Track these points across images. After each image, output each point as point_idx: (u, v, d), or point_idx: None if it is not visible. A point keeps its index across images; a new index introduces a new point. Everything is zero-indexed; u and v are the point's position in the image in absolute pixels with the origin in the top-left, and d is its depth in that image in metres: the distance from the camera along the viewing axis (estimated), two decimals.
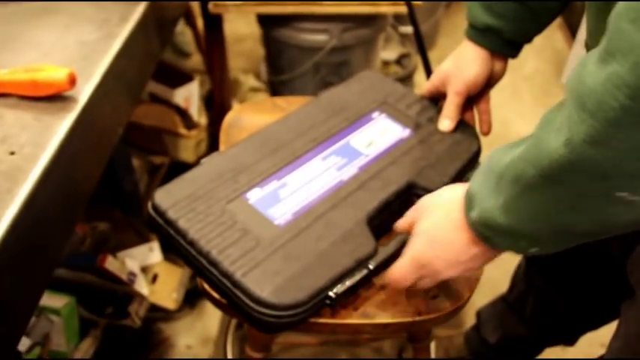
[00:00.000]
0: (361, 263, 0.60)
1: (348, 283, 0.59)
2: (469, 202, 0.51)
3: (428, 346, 0.86)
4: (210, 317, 1.33)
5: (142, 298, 0.94)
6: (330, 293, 0.58)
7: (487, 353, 1.18)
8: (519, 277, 1.10)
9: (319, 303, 0.58)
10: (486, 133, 0.80)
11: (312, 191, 0.66)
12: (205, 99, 1.42)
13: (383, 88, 0.82)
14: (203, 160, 0.69)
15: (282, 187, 0.66)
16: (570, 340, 1.08)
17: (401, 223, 0.61)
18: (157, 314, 1.16)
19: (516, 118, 2.02)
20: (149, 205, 0.64)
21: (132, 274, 0.92)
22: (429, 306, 0.64)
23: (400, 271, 0.57)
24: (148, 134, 1.16)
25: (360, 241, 0.62)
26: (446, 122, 0.76)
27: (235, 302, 0.58)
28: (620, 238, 0.52)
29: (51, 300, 0.82)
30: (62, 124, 0.55)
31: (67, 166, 0.54)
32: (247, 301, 0.56)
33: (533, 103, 2.11)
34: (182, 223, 0.61)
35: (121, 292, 0.91)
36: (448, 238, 0.53)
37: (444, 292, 0.65)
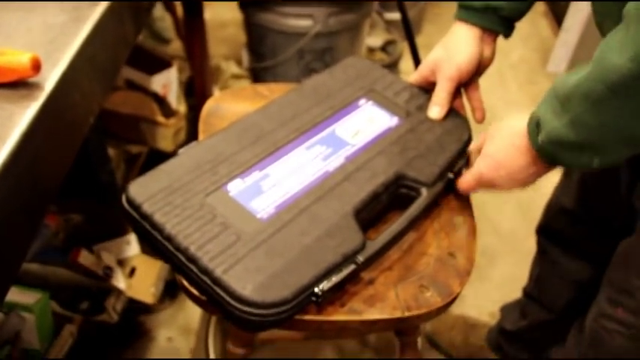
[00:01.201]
0: (348, 258, 0.58)
1: (335, 279, 0.56)
2: (536, 127, 0.58)
3: (415, 341, 0.84)
4: (192, 309, 1.30)
5: (119, 292, 0.91)
6: (316, 290, 0.55)
7: (510, 344, 1.18)
8: (535, 263, 1.12)
9: (304, 300, 0.55)
10: (480, 121, 0.78)
11: (296, 183, 0.63)
12: (186, 86, 1.38)
13: (370, 74, 0.79)
14: (180, 151, 0.65)
15: (264, 179, 0.63)
16: None
17: (472, 146, 0.72)
18: (137, 306, 1.13)
19: (502, 105, 2.01)
20: (123, 198, 0.60)
21: (108, 269, 0.88)
22: (419, 301, 0.61)
23: (466, 185, 0.68)
24: (125, 122, 1.11)
25: (346, 234, 0.59)
26: (436, 109, 0.74)
27: (216, 300, 0.55)
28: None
29: (22, 296, 0.78)
30: (25, 113, 0.50)
31: (30, 160, 0.50)
32: (228, 299, 0.53)
33: (518, 90, 2.10)
34: (158, 218, 0.57)
35: (97, 287, 0.88)
36: (510, 161, 0.62)
37: (434, 287, 0.63)
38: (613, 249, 0.83)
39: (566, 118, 0.54)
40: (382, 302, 0.61)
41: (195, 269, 0.55)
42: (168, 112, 1.11)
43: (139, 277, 0.98)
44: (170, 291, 1.22)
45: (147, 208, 0.58)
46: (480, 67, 0.76)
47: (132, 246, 1.02)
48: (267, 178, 0.63)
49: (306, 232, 0.58)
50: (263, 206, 0.60)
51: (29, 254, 0.82)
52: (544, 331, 1.13)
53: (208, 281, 0.54)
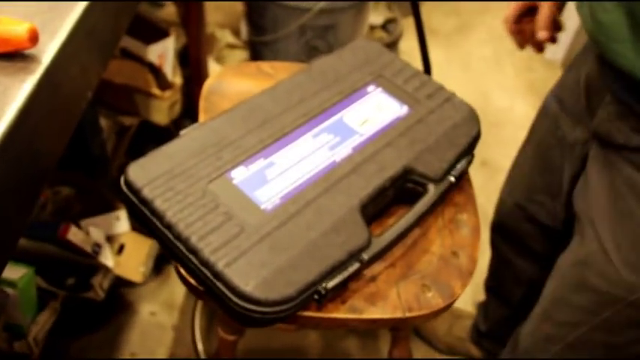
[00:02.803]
0: (354, 255, 0.56)
1: (339, 277, 0.54)
2: None
3: (408, 335, 0.83)
4: (176, 284, 1.28)
5: (106, 270, 0.88)
6: (320, 288, 0.53)
7: (482, 343, 1.18)
8: (492, 258, 1.09)
9: (307, 298, 0.53)
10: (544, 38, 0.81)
11: (302, 173, 0.60)
12: (180, 54, 1.33)
13: (379, 59, 0.76)
14: (182, 132, 0.62)
15: (269, 167, 0.60)
16: None
17: None
18: (123, 282, 1.10)
19: (497, 90, 1.99)
20: (121, 180, 0.57)
21: (97, 246, 0.85)
22: (421, 302, 0.60)
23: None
24: (118, 93, 1.07)
25: (352, 230, 0.57)
26: (544, 33, 0.79)
27: (216, 293, 0.52)
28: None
29: (7, 271, 0.75)
30: (22, 87, 0.47)
31: (27, 136, 0.47)
32: (229, 294, 0.51)
33: (515, 77, 2.08)
34: (159, 204, 0.54)
35: (84, 264, 0.85)
36: None
37: (436, 288, 0.61)
38: (558, 253, 0.83)
39: None
40: (383, 301, 0.59)
41: (195, 260, 0.52)
42: (163, 84, 1.07)
43: (127, 254, 0.95)
44: (155, 264, 1.20)
45: (147, 193, 0.55)
46: None
47: (121, 222, 0.99)
48: (272, 167, 0.60)
49: (311, 225, 0.56)
50: (268, 196, 0.57)
51: None
52: (506, 327, 1.13)
53: (209, 274, 0.52)
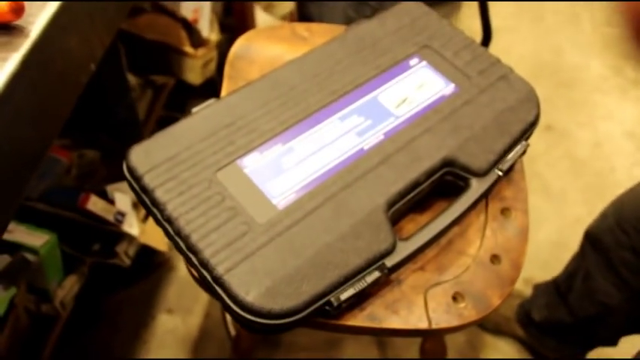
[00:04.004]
0: (374, 263, 0.49)
1: (355, 288, 0.47)
2: None
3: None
4: None
5: (131, 237, 0.86)
6: (332, 299, 0.47)
7: (531, 330, 1.11)
8: (573, 258, 1.00)
9: (317, 310, 0.47)
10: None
11: (324, 162, 0.53)
12: (224, 3, 1.25)
13: (427, 26, 0.66)
14: (194, 110, 0.55)
15: (286, 154, 0.53)
16: (612, 340, 0.99)
17: None
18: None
19: (570, 47, 1.79)
20: (124, 164, 0.52)
21: (119, 214, 0.83)
22: (450, 313, 0.53)
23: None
24: (150, 49, 1.01)
25: (375, 233, 0.49)
26: None
27: (217, 296, 0.47)
28: None
29: (30, 237, 0.73)
30: (4, 66, 0.41)
31: (9, 122, 0.42)
32: (229, 302, 0.45)
33: (591, 32, 1.86)
34: (160, 195, 0.49)
35: (108, 231, 0.83)
36: None
37: (470, 297, 0.54)
38: None
39: None
40: (407, 310, 0.52)
41: (195, 260, 0.47)
42: (197, 41, 1.00)
43: (153, 222, 0.91)
44: None
45: (148, 181, 0.49)
46: None
47: None
48: (291, 154, 0.53)
49: (328, 226, 0.49)
50: (282, 190, 0.50)
51: (38, 191, 0.76)
52: (562, 332, 1.04)
53: (208, 277, 0.46)
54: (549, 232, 1.36)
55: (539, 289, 1.11)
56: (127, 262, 0.86)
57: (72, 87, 0.49)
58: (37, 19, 0.45)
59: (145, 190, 0.49)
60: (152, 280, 1.14)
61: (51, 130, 0.48)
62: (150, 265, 1.00)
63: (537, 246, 1.31)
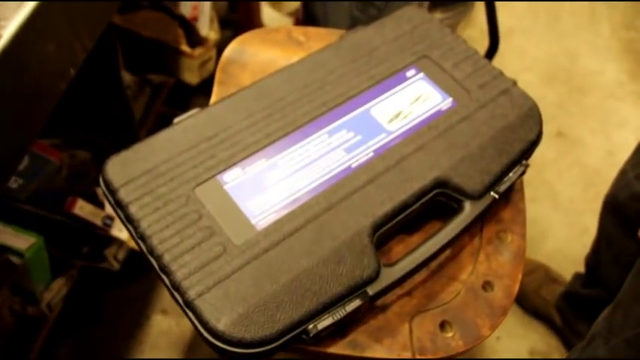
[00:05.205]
0: (356, 290, 0.46)
1: (334, 316, 0.45)
2: None
3: None
4: None
5: (121, 242, 0.84)
6: (309, 327, 0.45)
7: (567, 315, 1.13)
8: (597, 236, 1.05)
9: (293, 339, 0.45)
10: None
11: (308, 180, 0.50)
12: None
13: (427, 34, 0.63)
14: (176, 120, 0.53)
15: (270, 170, 0.51)
16: None
17: None
18: None
19: (587, 50, 1.74)
20: (100, 177, 0.50)
21: (108, 218, 0.81)
22: (437, 343, 0.50)
23: None
24: (147, 47, 0.99)
25: (358, 258, 0.47)
26: None
27: (189, 319, 0.45)
28: None
29: (17, 239, 0.72)
30: None
31: None
32: (200, 328, 0.43)
33: (610, 35, 1.80)
34: (134, 210, 0.47)
35: (97, 235, 0.81)
36: None
37: (458, 326, 0.51)
38: None
39: None
40: (392, 338, 0.50)
41: (167, 282, 0.45)
42: (195, 39, 0.97)
43: None
44: None
45: (123, 195, 0.47)
46: None
47: None
48: (274, 170, 0.51)
49: (308, 250, 0.46)
50: (262, 209, 0.48)
51: (27, 192, 0.75)
52: (597, 309, 1.04)
53: (180, 300, 0.44)
54: (556, 243, 1.33)
55: (576, 274, 1.14)
56: (117, 266, 0.85)
57: (49, 94, 0.47)
58: (10, 23, 0.43)
59: (120, 204, 0.47)
60: (147, 281, 1.12)
61: (24, 139, 0.46)
62: (141, 269, 0.99)
63: (544, 257, 1.28)
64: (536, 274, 1.22)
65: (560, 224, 1.36)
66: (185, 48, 0.98)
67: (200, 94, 1.11)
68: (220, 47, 1.06)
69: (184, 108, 0.52)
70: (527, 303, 1.21)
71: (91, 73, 0.66)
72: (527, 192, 0.57)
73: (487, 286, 0.54)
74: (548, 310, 1.18)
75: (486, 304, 0.53)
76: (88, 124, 0.84)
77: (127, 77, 0.95)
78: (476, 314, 0.52)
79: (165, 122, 0.53)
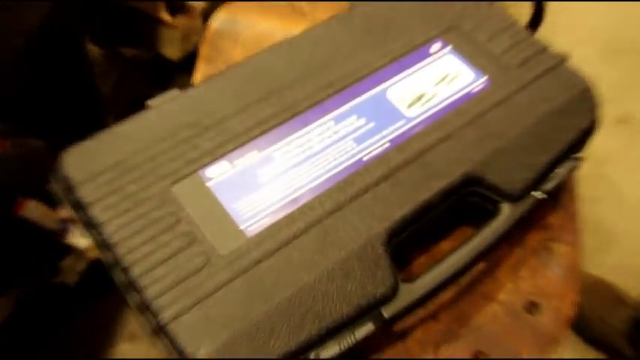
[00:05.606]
0: (368, 311, 0.44)
1: (342, 345, 0.42)
2: None
3: None
4: None
5: (80, 251, 0.82)
6: (311, 356, 0.42)
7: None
8: None
9: None
10: None
11: (310, 177, 0.48)
12: None
13: (455, 2, 0.61)
14: (151, 103, 0.51)
15: (263, 165, 0.48)
16: None
17: None
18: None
19: None
20: (54, 173, 0.48)
21: (65, 222, 0.79)
22: None
23: None
24: (119, 16, 0.96)
25: (371, 272, 0.44)
26: None
27: (164, 345, 0.43)
28: None
29: None
30: None
31: None
32: (175, 355, 0.41)
33: None
34: (97, 212, 0.45)
35: (50, 243, 0.79)
36: None
37: (496, 357, 0.48)
38: None
39: None
40: None
41: (136, 300, 0.43)
42: (177, 5, 0.95)
43: None
44: None
45: (84, 194, 0.45)
46: None
47: None
48: (269, 164, 0.48)
49: (309, 262, 0.44)
50: (253, 211, 0.46)
51: None
52: None
53: (153, 322, 0.42)
54: (623, 255, 1.28)
55: None
56: (75, 279, 0.82)
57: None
58: None
59: (80, 205, 0.45)
60: (112, 300, 1.10)
61: None
62: (105, 285, 0.97)
63: (607, 272, 1.24)
64: (598, 294, 1.17)
65: (626, 231, 1.31)
66: (165, 16, 0.96)
67: (182, 71, 1.09)
68: (207, 16, 1.04)
69: (163, 88, 0.50)
70: (586, 330, 1.16)
71: (47, 42, 0.64)
72: (585, 191, 0.54)
73: (532, 307, 0.51)
74: (614, 339, 1.13)
75: (531, 331, 0.50)
76: (42, 106, 0.81)
77: (93, 50, 0.92)
78: (519, 342, 0.49)
79: (138, 105, 0.51)
